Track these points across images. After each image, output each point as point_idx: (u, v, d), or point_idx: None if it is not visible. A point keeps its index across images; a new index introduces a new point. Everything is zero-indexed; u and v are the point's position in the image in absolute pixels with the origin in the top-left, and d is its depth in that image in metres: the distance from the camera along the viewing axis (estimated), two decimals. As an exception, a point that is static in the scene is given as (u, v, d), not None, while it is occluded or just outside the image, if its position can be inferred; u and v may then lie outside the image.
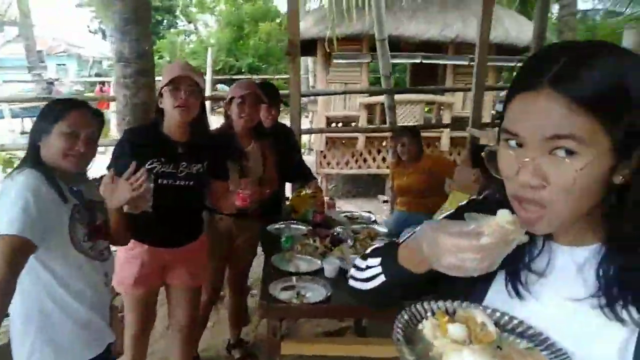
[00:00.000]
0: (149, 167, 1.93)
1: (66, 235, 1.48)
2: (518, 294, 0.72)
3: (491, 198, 0.80)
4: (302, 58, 7.39)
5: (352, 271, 0.93)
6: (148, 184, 1.71)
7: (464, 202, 0.90)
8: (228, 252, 2.49)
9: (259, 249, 2.69)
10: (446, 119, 6.88)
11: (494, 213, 0.66)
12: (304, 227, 2.63)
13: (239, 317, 2.74)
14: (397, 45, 7.17)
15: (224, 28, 21.58)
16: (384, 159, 6.98)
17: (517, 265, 0.72)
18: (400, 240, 0.88)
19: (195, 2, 23.17)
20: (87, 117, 1.54)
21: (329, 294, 1.85)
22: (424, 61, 6.65)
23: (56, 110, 1.50)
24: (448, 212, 0.92)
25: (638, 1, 11.44)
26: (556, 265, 0.71)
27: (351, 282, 0.92)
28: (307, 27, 6.54)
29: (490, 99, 7.10)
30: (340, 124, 7.27)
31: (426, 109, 7.60)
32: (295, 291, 1.90)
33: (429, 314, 0.75)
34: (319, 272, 2.09)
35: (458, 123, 6.04)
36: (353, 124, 6.91)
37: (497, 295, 0.75)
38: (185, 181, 2.02)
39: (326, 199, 2.91)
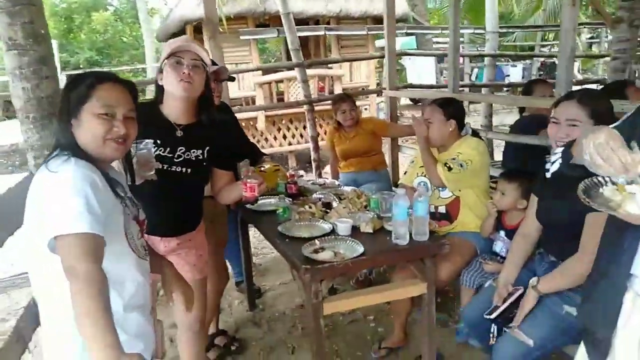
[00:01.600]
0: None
1: (122, 232, 1.32)
2: None
3: None
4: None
5: None
6: (150, 149, 1.71)
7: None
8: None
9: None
10: (337, 91, 7.18)
11: None
12: (281, 200, 2.62)
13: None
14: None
15: (49, 19, 19.33)
16: (284, 137, 7.05)
17: None
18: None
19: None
20: (119, 90, 1.34)
21: (363, 248, 1.92)
22: (327, 33, 6.80)
23: (81, 88, 1.28)
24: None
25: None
26: None
27: None
28: (192, 8, 6.22)
29: (373, 67, 7.58)
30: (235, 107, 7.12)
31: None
32: (330, 251, 1.93)
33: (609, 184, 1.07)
34: (331, 234, 2.13)
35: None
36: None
37: None
38: (181, 167, 1.87)
39: (290, 170, 2.91)
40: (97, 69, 15.64)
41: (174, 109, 1.86)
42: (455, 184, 2.44)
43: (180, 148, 1.86)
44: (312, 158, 4.96)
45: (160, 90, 1.86)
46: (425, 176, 2.60)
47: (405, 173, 2.74)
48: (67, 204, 1.14)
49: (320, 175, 4.86)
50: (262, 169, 2.87)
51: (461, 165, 2.41)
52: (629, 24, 4.52)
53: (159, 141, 1.83)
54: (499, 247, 2.36)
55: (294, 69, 5.09)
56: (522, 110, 3.28)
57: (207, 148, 1.91)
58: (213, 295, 2.42)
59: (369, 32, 6.04)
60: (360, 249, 1.92)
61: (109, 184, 1.28)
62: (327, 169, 5.36)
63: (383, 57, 4.30)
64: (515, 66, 14.29)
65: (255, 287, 3.28)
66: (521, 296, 1.89)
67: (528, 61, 14.00)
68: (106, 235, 1.18)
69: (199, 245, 2.05)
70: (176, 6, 7.53)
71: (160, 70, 1.82)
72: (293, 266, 1.94)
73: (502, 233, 2.35)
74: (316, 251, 1.94)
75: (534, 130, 2.85)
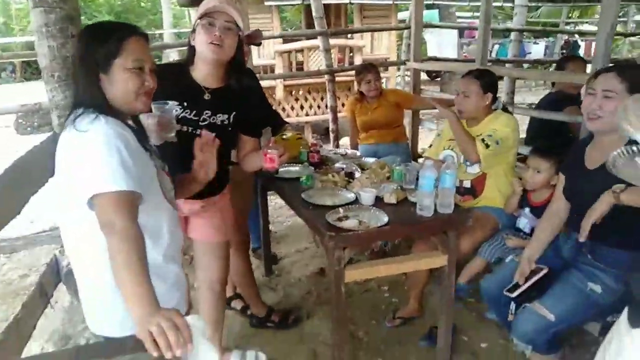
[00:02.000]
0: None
1: (157, 185, 1.33)
2: None
3: None
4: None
5: None
6: (171, 110, 1.68)
7: None
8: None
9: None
10: (358, 62, 7.07)
11: None
12: (304, 168, 2.61)
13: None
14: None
15: None
16: (302, 107, 7.00)
17: None
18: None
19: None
20: (144, 43, 1.32)
21: (387, 218, 1.92)
22: (352, 1, 6.66)
23: (110, 42, 1.24)
24: None
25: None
26: None
27: None
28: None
29: (395, 39, 7.43)
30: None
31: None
32: (354, 220, 1.93)
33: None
34: (354, 203, 2.13)
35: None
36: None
37: None
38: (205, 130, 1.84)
39: (311, 139, 2.89)
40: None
41: (203, 71, 1.84)
42: (490, 160, 2.41)
43: (206, 111, 1.85)
44: (330, 129, 4.92)
45: (191, 51, 1.83)
46: (452, 149, 2.57)
47: (430, 146, 2.71)
48: (103, 162, 1.14)
49: (337, 147, 4.84)
50: (284, 137, 2.88)
51: (497, 143, 2.37)
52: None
53: (185, 103, 1.82)
54: (522, 223, 2.34)
55: (316, 38, 4.99)
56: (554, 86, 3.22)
57: (234, 113, 1.89)
58: (236, 259, 2.45)
59: (394, 2, 5.89)
60: (385, 218, 1.91)
61: (137, 139, 1.29)
62: (343, 140, 5.36)
63: (408, 28, 4.21)
64: (538, 44, 13.93)
65: (272, 254, 3.32)
66: (544, 277, 1.88)
67: (551, 38, 13.63)
68: (142, 189, 1.18)
69: (224, 208, 2.06)
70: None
71: (193, 30, 1.79)
72: (317, 233, 1.95)
73: (527, 210, 2.33)
74: (340, 219, 1.94)
75: (561, 106, 2.79)
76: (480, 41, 3.29)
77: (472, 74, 2.50)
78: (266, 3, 6.31)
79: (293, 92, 6.77)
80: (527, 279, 1.89)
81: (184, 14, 20.90)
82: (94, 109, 1.23)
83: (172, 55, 18.71)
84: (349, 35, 7.17)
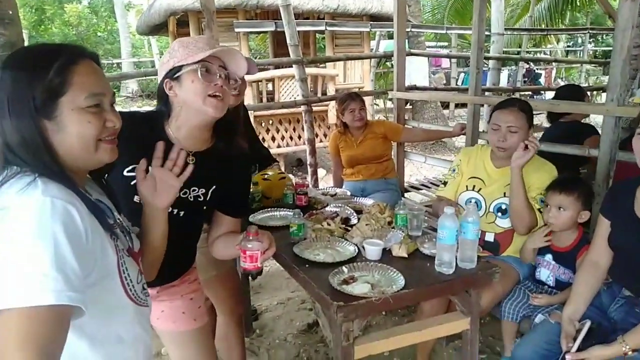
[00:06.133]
0: (127, 174, 1.36)
1: (116, 278, 0.93)
2: None
3: None
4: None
5: None
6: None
7: None
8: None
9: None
10: (331, 92, 6.84)
11: None
12: (290, 212, 2.25)
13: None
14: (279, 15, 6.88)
15: (19, 9, 18.58)
16: (273, 138, 6.67)
17: None
18: None
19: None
20: (99, 68, 0.96)
21: (404, 280, 1.58)
22: (328, 29, 6.44)
23: (49, 74, 0.86)
24: None
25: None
26: None
27: None
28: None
29: (368, 68, 7.27)
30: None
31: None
32: (364, 282, 1.58)
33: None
34: (356, 257, 1.79)
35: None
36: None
37: None
38: (171, 207, 1.36)
39: (295, 178, 2.54)
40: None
41: (188, 129, 1.42)
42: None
43: None
44: (308, 162, 4.60)
45: (166, 102, 1.42)
46: (476, 190, 2.20)
47: (445, 184, 2.32)
48: (22, 259, 0.74)
49: (316, 181, 4.51)
50: (265, 177, 2.53)
51: (542, 202, 2.04)
52: (641, 29, 4.40)
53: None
54: (544, 275, 2.04)
55: (290, 66, 4.71)
56: (551, 116, 3.05)
57: (214, 187, 1.47)
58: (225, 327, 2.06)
59: (372, 30, 5.70)
60: (401, 280, 1.57)
61: (93, 212, 0.89)
62: (321, 174, 5.04)
63: (386, 56, 3.99)
64: (502, 71, 14.22)
65: (251, 308, 2.91)
66: (590, 329, 1.59)
67: (513, 67, 13.95)
68: (94, 289, 0.82)
69: (187, 288, 1.59)
70: (160, -5, 7.06)
71: (173, 77, 1.37)
72: (319, 301, 1.59)
73: (548, 257, 2.04)
74: (346, 281, 1.59)
75: (581, 137, 2.61)
76: (473, 70, 3.08)
77: (517, 106, 2.08)
78: (236, 30, 6.01)
79: (263, 123, 6.44)
80: (574, 339, 1.59)
81: (143, 43, 20.52)
82: (32, 169, 0.84)
83: (131, 86, 18.18)
84: (321, 65, 6.94)
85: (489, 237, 2.17)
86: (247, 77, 6.65)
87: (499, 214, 2.14)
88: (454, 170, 2.32)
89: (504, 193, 2.12)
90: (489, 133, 2.17)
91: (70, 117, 0.88)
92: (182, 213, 1.44)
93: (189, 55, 1.34)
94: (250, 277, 1.32)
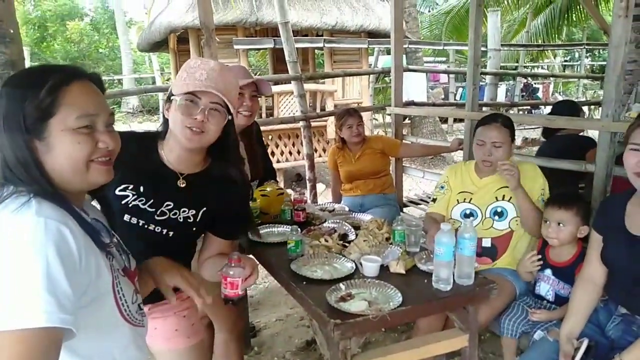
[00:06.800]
0: (119, 192, 1.37)
1: (111, 299, 0.93)
2: None
3: None
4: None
5: None
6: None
7: None
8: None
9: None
10: (329, 107, 6.88)
11: None
12: (288, 229, 2.25)
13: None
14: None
15: (22, 26, 18.85)
16: (272, 154, 6.69)
17: None
18: None
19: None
20: (93, 90, 0.95)
21: (401, 297, 1.57)
22: (326, 45, 6.51)
23: (41, 95, 0.87)
24: None
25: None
26: None
27: None
28: (180, 14, 5.85)
29: (366, 83, 7.33)
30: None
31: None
32: (362, 300, 1.57)
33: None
34: (354, 274, 1.78)
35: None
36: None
37: None
38: (160, 227, 1.41)
39: (293, 194, 2.54)
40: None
41: (177, 153, 1.44)
42: None
43: (167, 203, 1.42)
44: (307, 178, 4.60)
45: (166, 122, 1.44)
46: (471, 202, 2.24)
47: (434, 200, 2.37)
48: (12, 280, 0.74)
49: (315, 196, 4.51)
50: (264, 192, 2.52)
51: (543, 201, 2.13)
52: (636, 45, 4.43)
53: (141, 188, 1.40)
54: (544, 289, 2.04)
55: (289, 82, 4.75)
56: (546, 131, 3.06)
57: (204, 209, 1.47)
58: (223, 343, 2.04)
59: (369, 46, 5.77)
60: (399, 297, 1.57)
61: (88, 232, 0.89)
62: (320, 188, 5.04)
63: (384, 72, 4.02)
64: (499, 86, 14.31)
65: (249, 325, 2.89)
66: (589, 347, 1.58)
67: (511, 82, 14.05)
68: (88, 309, 0.82)
69: (180, 305, 1.54)
70: (161, 13, 7.12)
71: (169, 99, 1.40)
72: (316, 318, 1.58)
73: (547, 272, 2.03)
74: (343, 298, 1.59)
75: (582, 151, 2.63)
76: (470, 85, 3.10)
77: (499, 122, 2.16)
78: (235, 47, 6.06)
79: (263, 138, 6.46)
80: (573, 357, 1.58)
81: (144, 59, 20.71)
82: (27, 190, 0.85)
83: (131, 102, 18.27)
84: (320, 80, 7.01)
85: (486, 243, 2.19)
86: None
87: (496, 217, 2.19)
88: (442, 187, 2.37)
89: (496, 197, 2.19)
90: (474, 149, 2.24)
91: (59, 137, 0.88)
92: (171, 233, 1.43)
93: (183, 84, 1.37)
94: (231, 303, 1.31)
